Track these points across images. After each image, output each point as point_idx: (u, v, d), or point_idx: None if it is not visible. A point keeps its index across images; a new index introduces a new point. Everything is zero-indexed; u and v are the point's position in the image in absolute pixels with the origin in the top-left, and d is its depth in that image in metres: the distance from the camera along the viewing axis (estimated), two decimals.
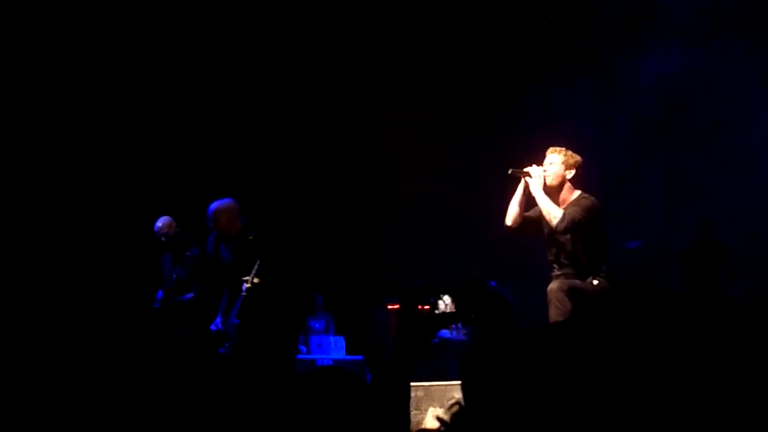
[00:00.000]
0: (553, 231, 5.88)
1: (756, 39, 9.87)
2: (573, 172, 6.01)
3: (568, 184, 6.01)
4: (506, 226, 6.09)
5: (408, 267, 10.77)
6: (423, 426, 4.59)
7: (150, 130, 10.14)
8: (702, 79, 10.16)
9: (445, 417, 1.69)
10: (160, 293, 8.26)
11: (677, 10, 10.41)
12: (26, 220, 9.32)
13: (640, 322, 1.45)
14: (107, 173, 9.86)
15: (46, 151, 9.54)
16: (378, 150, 11.28)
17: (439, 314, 2.40)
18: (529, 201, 6.02)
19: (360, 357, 9.74)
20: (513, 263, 9.69)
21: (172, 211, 8.40)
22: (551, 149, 6.04)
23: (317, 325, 10.61)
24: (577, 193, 6.01)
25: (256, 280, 6.98)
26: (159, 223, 8.25)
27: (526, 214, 6.07)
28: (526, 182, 5.98)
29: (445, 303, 2.39)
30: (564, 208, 5.88)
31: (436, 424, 1.71)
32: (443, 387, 5.75)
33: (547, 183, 5.95)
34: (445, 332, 9.49)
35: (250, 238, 7.13)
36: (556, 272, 6.01)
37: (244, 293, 7.04)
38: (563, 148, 6.04)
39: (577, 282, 5.85)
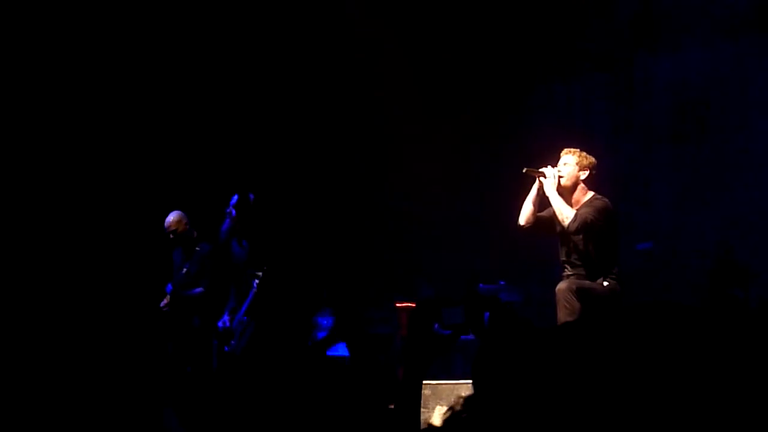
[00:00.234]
0: (565, 231, 5.88)
1: None
2: (587, 173, 6.02)
3: (581, 185, 6.02)
4: (519, 225, 6.11)
5: (418, 267, 10.76)
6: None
7: (162, 126, 10.16)
8: (717, 80, 10.13)
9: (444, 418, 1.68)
10: (169, 287, 8.29)
11: (691, 10, 10.38)
12: (39, 216, 9.34)
13: (651, 327, 1.45)
14: (120, 167, 9.88)
15: (60, 148, 9.56)
16: (389, 147, 11.24)
17: (449, 333, 2.39)
18: (542, 201, 6.02)
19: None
20: (525, 263, 9.66)
21: (182, 206, 8.39)
22: (566, 150, 6.05)
23: (324, 321, 10.59)
24: (591, 194, 6.02)
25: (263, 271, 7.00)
26: (169, 219, 8.24)
27: (539, 214, 6.07)
28: (540, 182, 5.98)
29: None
30: (577, 209, 5.89)
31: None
32: (451, 385, 5.75)
33: (561, 183, 5.96)
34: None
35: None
36: (568, 272, 6.01)
37: (254, 289, 7.05)
38: (578, 149, 6.05)
39: (586, 282, 5.86)
